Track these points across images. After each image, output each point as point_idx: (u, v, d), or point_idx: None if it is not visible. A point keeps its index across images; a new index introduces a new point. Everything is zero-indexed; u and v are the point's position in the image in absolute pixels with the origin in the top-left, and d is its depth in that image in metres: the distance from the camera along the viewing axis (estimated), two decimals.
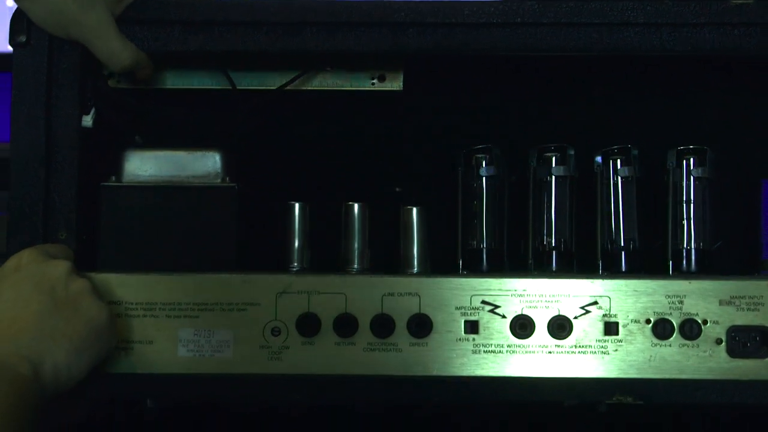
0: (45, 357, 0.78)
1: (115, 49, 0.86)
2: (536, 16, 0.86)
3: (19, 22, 0.87)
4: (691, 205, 0.94)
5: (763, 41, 0.85)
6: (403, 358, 0.86)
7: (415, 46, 0.87)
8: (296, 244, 0.93)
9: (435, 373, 0.86)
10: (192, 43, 0.88)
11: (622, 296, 0.86)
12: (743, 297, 0.86)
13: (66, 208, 0.88)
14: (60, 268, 0.82)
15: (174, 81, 0.96)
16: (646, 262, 0.94)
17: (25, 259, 0.83)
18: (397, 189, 0.99)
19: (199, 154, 0.92)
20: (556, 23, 0.86)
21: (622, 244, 0.94)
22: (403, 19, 0.87)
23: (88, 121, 0.89)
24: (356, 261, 0.92)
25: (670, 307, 0.86)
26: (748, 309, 0.85)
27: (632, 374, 0.85)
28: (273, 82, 0.95)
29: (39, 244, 0.86)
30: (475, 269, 0.94)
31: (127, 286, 0.87)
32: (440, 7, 0.87)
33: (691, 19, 0.86)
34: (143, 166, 0.91)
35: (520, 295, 0.86)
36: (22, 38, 0.87)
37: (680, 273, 0.93)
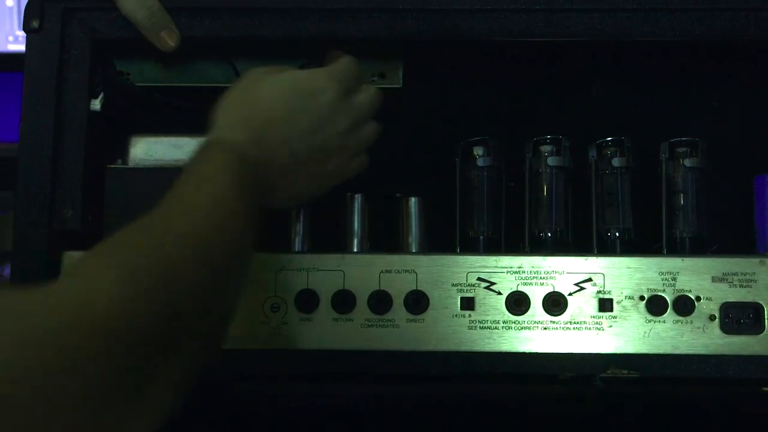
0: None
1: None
2: (529, 2, 0.89)
3: (32, 8, 0.91)
4: (684, 195, 0.95)
5: (748, 25, 0.88)
6: (400, 333, 0.87)
7: (414, 32, 0.90)
8: (297, 233, 0.94)
9: (432, 348, 0.87)
10: (198, 29, 0.91)
11: (616, 273, 0.87)
12: (735, 274, 0.87)
13: (72, 188, 0.90)
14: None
15: (180, 78, 1.00)
16: (642, 252, 0.95)
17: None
18: (398, 194, 1.01)
19: (203, 140, 0.94)
20: (548, 9, 0.89)
21: (618, 234, 0.96)
22: (403, 6, 0.90)
23: (96, 105, 0.92)
24: (356, 250, 0.94)
25: (663, 284, 0.87)
26: (741, 286, 0.86)
27: (627, 350, 0.86)
28: None
29: (45, 221, 0.89)
30: None
31: None
32: None
33: (681, 4, 0.89)
34: (149, 150, 0.93)
35: (516, 272, 0.88)
36: (35, 24, 0.91)
37: None
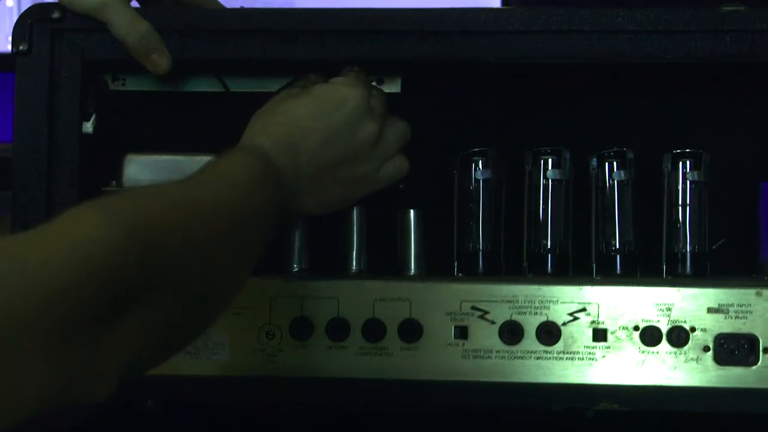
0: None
1: (123, 22, 0.87)
2: (527, 24, 0.87)
3: (20, 30, 0.89)
4: (687, 208, 0.94)
5: (753, 47, 0.85)
6: (394, 362, 0.88)
7: (410, 55, 0.88)
8: (295, 246, 0.94)
9: (425, 377, 0.88)
10: (189, 51, 0.89)
11: (611, 303, 0.87)
12: (731, 304, 0.86)
13: None
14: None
15: (178, 84, 0.98)
16: (642, 265, 0.94)
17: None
18: (400, 186, 1.00)
19: (197, 158, 0.93)
20: (545, 30, 0.86)
21: (618, 247, 0.95)
22: (398, 27, 0.88)
23: (88, 127, 0.91)
24: (353, 263, 0.94)
25: (658, 314, 0.86)
26: (737, 317, 0.86)
27: (620, 381, 0.86)
28: (272, 87, 0.96)
29: None
30: (471, 271, 0.94)
31: None
32: (433, 16, 0.88)
33: (683, 26, 0.86)
34: (143, 170, 0.93)
35: (510, 301, 0.88)
36: (24, 46, 0.89)
37: (674, 276, 0.92)
